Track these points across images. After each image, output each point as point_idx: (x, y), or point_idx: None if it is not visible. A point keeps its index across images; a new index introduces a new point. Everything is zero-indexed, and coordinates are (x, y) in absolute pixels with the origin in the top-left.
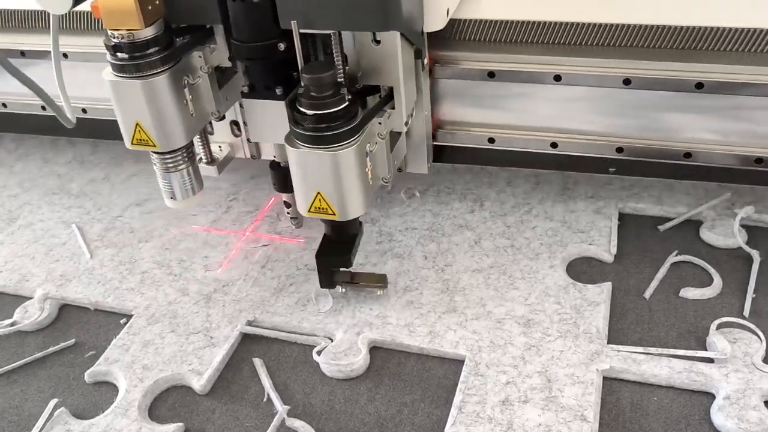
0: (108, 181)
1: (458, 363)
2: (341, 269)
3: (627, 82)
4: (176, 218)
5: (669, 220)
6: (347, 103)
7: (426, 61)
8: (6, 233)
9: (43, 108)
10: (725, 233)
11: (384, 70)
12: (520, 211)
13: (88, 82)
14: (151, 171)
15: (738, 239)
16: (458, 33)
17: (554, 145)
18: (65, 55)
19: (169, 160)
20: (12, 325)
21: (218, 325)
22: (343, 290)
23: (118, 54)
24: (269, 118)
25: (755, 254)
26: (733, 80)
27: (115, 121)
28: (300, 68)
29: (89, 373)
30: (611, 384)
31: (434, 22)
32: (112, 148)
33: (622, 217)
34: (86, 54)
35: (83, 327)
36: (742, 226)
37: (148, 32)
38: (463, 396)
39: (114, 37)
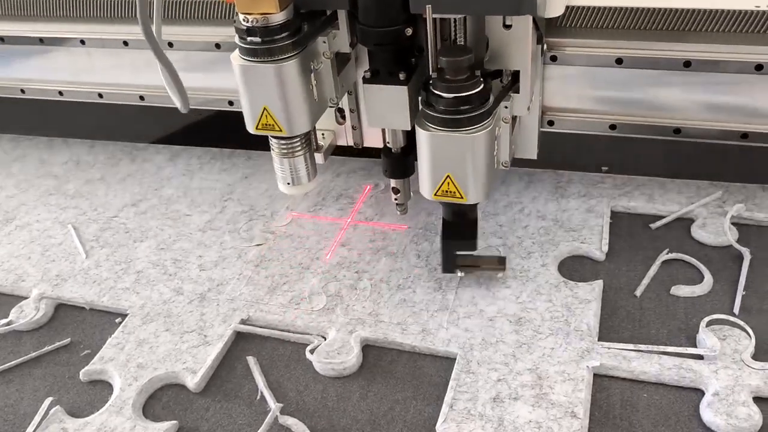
0: (104, 181)
1: (450, 361)
2: (461, 252)
3: (619, 61)
4: (170, 219)
5: (661, 218)
6: (482, 86)
7: (545, 46)
8: (2, 234)
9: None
10: (716, 231)
11: (512, 54)
12: (513, 210)
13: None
14: (146, 171)
15: (728, 237)
16: None
17: (551, 123)
18: (82, 42)
19: (291, 146)
20: (8, 324)
21: (212, 324)
22: (462, 274)
23: (249, 38)
24: (391, 104)
25: (745, 252)
26: (718, 58)
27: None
28: (429, 52)
29: (84, 372)
30: (602, 381)
31: (555, 7)
32: (108, 148)
33: (614, 216)
34: (104, 40)
35: (78, 326)
36: (733, 224)
37: (281, 17)
38: (454, 393)
39: (246, 21)
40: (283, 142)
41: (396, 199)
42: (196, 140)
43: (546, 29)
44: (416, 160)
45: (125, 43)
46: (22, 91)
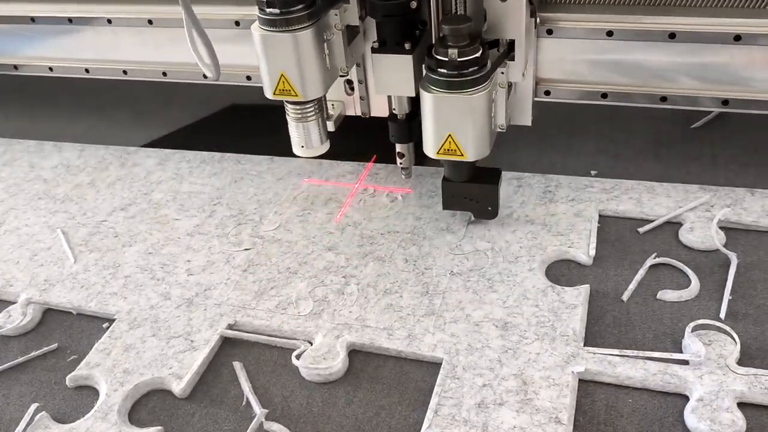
0: (93, 185)
1: (436, 366)
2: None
3: (610, 33)
4: (159, 223)
5: (648, 222)
6: (480, 52)
7: (538, 19)
8: None
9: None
10: (704, 235)
11: (508, 25)
12: (501, 214)
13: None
14: (136, 175)
15: (715, 241)
16: None
17: (547, 92)
18: (109, 21)
19: (304, 111)
20: None
21: (199, 329)
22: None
23: (269, 10)
24: (397, 72)
25: (732, 256)
26: (700, 30)
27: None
28: (433, 23)
29: (70, 378)
30: (586, 386)
31: None
32: (98, 152)
33: (602, 220)
34: (129, 19)
35: (66, 331)
36: (721, 228)
37: None
38: (439, 399)
39: None
40: (297, 107)
41: (401, 163)
42: (186, 144)
43: (542, 5)
44: (420, 125)
45: (150, 22)
46: (50, 69)
